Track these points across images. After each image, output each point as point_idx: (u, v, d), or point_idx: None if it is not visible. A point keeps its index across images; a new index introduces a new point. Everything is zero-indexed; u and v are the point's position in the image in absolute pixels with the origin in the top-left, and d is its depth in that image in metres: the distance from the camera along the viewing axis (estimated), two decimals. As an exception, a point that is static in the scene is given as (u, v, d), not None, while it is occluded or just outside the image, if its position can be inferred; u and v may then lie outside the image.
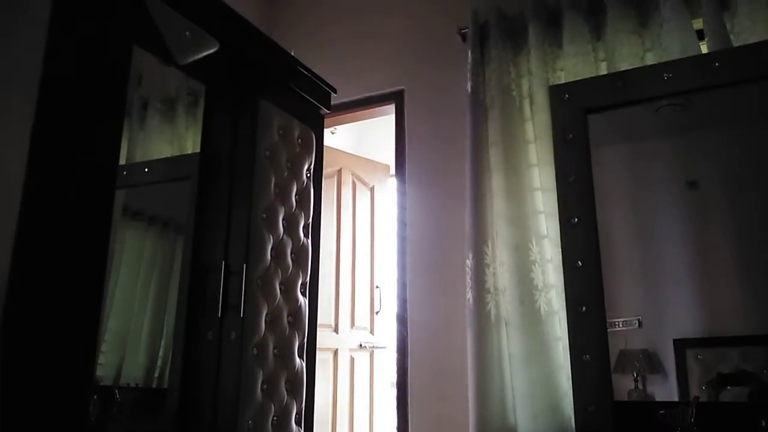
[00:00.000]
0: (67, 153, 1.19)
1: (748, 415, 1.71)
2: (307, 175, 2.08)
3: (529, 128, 2.42)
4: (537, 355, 2.05)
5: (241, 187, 1.85)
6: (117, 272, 2.02)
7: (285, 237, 1.93)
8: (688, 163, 2.14)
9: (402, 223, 2.80)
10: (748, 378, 1.90)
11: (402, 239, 2.76)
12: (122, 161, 2.07)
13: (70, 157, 1.20)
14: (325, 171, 2.48)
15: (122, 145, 1.42)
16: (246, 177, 1.85)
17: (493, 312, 2.11)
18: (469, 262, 2.18)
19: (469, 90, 2.49)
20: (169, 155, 2.18)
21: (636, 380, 2.01)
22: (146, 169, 2.14)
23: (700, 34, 2.21)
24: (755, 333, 1.93)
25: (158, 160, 2.18)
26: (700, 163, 2.12)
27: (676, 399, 1.94)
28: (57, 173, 1.17)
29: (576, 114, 2.19)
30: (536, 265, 2.15)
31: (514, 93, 2.46)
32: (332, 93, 2.25)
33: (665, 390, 2.00)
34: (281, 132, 1.98)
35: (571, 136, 2.17)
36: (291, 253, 1.95)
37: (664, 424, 1.77)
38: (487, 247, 2.18)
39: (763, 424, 1.65)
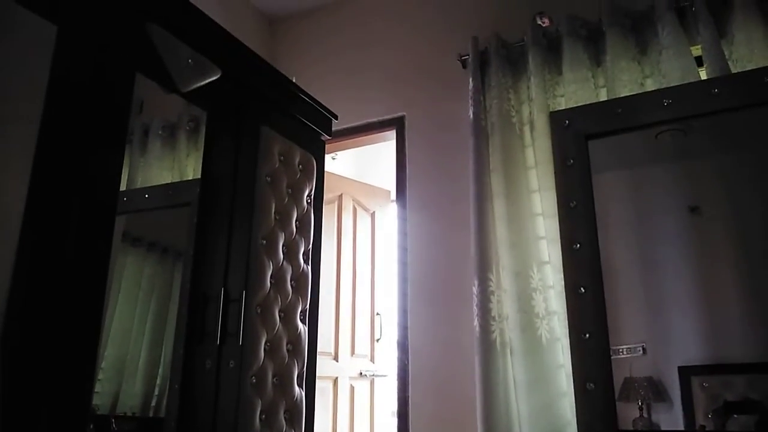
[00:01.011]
0: (68, 179, 1.19)
1: (757, 444, 1.68)
2: (307, 200, 2.08)
3: (530, 154, 2.42)
4: (539, 382, 2.02)
5: (241, 213, 1.84)
6: (115, 299, 2.01)
7: (285, 263, 1.92)
8: (689, 189, 2.14)
9: (403, 249, 2.78)
10: (755, 406, 1.87)
11: (403, 265, 2.75)
12: (123, 187, 2.07)
13: (71, 184, 1.20)
14: (326, 196, 2.48)
15: (123, 171, 1.42)
16: (246, 203, 1.85)
17: (498, 339, 2.08)
18: (475, 290, 2.17)
19: (471, 116, 2.50)
20: (169, 181, 2.18)
21: (641, 408, 1.98)
22: (146, 195, 2.14)
23: (699, 61, 2.23)
24: (762, 360, 1.91)
25: (158, 186, 2.18)
26: (702, 189, 2.12)
27: (681, 428, 1.91)
28: (58, 199, 1.17)
29: (576, 140, 2.20)
30: (537, 292, 2.14)
31: (515, 119, 2.47)
32: (333, 119, 2.25)
33: (671, 418, 1.96)
34: (282, 158, 1.98)
35: (572, 161, 2.17)
36: (291, 280, 1.93)
37: (671, 455, 1.74)
38: (492, 274, 2.17)
39: (772, 454, 1.62)
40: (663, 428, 1.95)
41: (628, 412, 1.98)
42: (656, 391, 1.99)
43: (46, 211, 1.14)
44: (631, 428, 1.96)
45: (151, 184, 2.21)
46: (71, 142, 1.21)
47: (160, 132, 2.15)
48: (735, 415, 1.88)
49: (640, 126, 2.13)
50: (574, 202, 2.13)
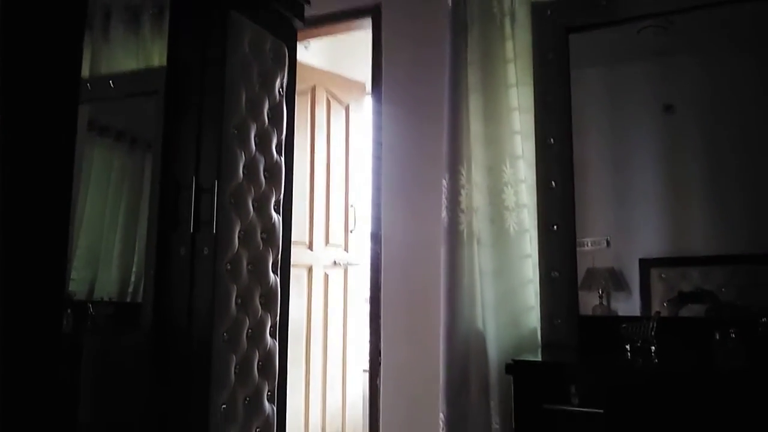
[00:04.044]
0: (24, 63, 1.14)
1: (704, 329, 1.80)
2: (279, 91, 2.03)
3: (509, 47, 2.36)
4: (506, 270, 2.10)
5: (210, 102, 1.80)
6: (85, 188, 1.99)
7: (257, 154, 1.90)
8: (665, 87, 2.13)
9: (377, 143, 2.77)
10: (706, 296, 1.98)
11: (377, 159, 2.75)
12: (85, 73, 1.99)
13: (28, 68, 1.14)
14: (299, 88, 2.41)
15: (85, 57, 1.35)
16: (215, 91, 1.79)
17: (465, 231, 2.13)
18: (445, 182, 2.19)
19: (450, 5, 2.40)
20: (134, 68, 2.11)
21: (601, 297, 2.09)
22: (111, 83, 2.07)
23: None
24: (717, 253, 2.00)
25: (123, 74, 2.11)
26: (678, 87, 2.12)
27: (638, 314, 2.02)
28: (16, 84, 1.12)
29: (557, 33, 2.16)
30: (509, 186, 2.17)
31: (495, 10, 2.38)
32: (306, 4, 2.16)
33: (628, 306, 2.08)
34: (252, 45, 1.90)
35: (551, 55, 2.15)
36: (264, 171, 1.92)
37: (626, 337, 1.86)
38: (463, 167, 2.18)
39: (717, 336, 1.73)
40: (620, 314, 2.06)
41: (589, 300, 2.08)
42: (616, 281, 2.09)
43: (3, 98, 1.10)
44: (591, 314, 2.07)
45: (116, 71, 2.14)
46: (25, 23, 1.14)
47: (122, 16, 2.04)
48: (688, 304, 2.00)
49: (623, 20, 2.09)
50: (551, 97, 2.13)
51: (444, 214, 2.15)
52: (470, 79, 2.24)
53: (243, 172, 1.82)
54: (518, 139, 2.22)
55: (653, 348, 1.82)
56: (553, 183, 2.09)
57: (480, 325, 2.07)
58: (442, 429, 2.03)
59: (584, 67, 2.18)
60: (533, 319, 2.10)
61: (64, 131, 1.21)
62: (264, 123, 1.93)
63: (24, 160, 1.13)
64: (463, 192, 2.15)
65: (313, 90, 3.34)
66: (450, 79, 2.25)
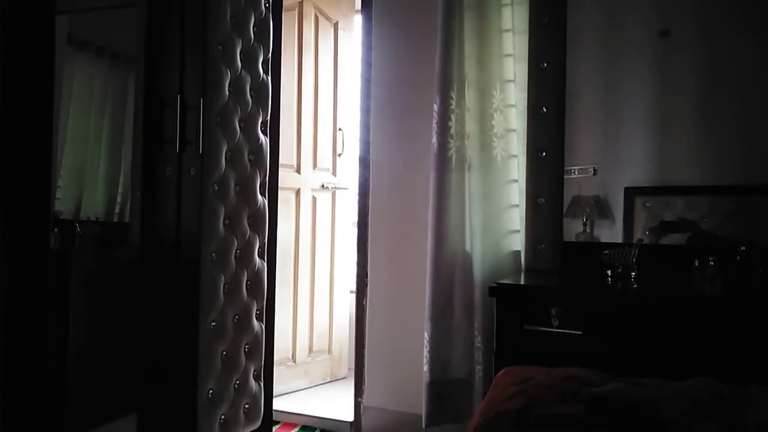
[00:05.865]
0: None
1: (685, 256, 1.85)
2: (265, 5, 1.94)
3: (506, -35, 2.27)
4: (492, 195, 2.11)
5: (193, 16, 1.72)
6: (67, 105, 1.95)
7: (243, 72, 1.85)
8: (663, 12, 2.07)
9: (367, 64, 2.69)
10: (688, 225, 2.02)
11: (366, 81, 2.68)
12: (61, -18, 1.90)
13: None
14: (285, 3, 2.32)
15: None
16: (198, 4, 1.72)
17: (454, 156, 2.12)
18: (436, 107, 2.15)
19: None
20: (113, -23, 2.01)
21: (585, 224, 2.11)
22: (89, -7, 1.98)
23: None
24: (701, 184, 2.02)
25: (102, -17, 2.02)
26: (675, 12, 2.06)
27: (620, 242, 2.06)
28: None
29: (555, -50, 2.07)
30: (498, 111, 2.14)
31: (492, -76, 2.27)
32: None
33: (612, 234, 2.11)
34: (236, -46, 1.81)
35: (548, -27, 2.07)
36: (250, 90, 1.88)
37: (608, 263, 1.90)
38: (453, 91, 2.14)
39: (696, 264, 1.78)
40: (603, 241, 2.10)
41: (573, 227, 2.12)
42: (601, 208, 2.11)
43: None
44: (574, 240, 2.10)
45: (94, -20, 2.04)
46: None
47: None
48: (670, 233, 2.03)
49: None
50: (547, 18, 2.07)
51: (434, 139, 2.14)
52: (465, -2, 2.17)
53: (229, 91, 1.78)
54: (509, 62, 2.17)
55: (633, 274, 1.86)
56: (544, 108, 2.07)
57: (468, 248, 2.11)
58: (426, 347, 2.10)
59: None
60: (517, 243, 2.13)
61: (41, 42, 1.16)
62: (250, 39, 1.87)
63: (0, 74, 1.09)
64: (453, 117, 2.13)
65: (301, 5, 3.20)
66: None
